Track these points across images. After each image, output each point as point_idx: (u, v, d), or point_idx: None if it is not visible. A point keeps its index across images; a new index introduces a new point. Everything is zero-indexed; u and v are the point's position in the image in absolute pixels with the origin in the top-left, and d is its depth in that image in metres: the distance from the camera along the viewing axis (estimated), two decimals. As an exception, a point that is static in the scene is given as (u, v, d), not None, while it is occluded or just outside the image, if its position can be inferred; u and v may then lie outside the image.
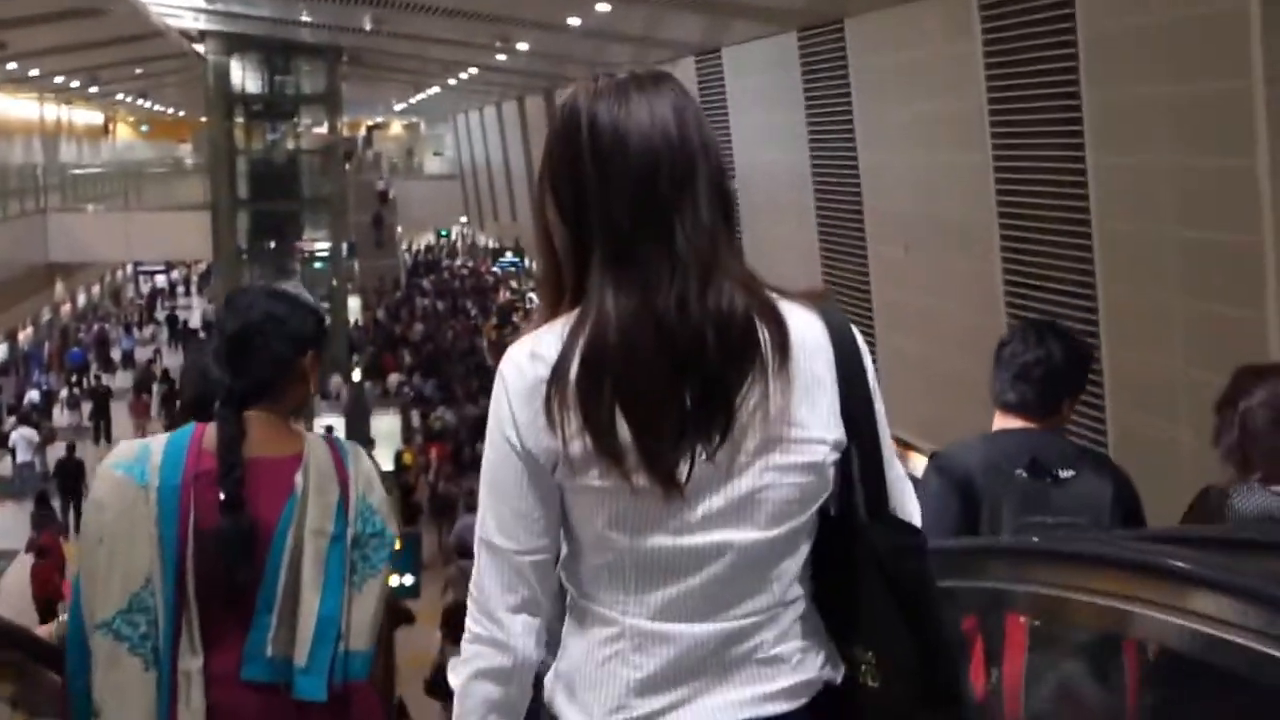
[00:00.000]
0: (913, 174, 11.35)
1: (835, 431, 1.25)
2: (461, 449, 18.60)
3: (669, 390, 1.17)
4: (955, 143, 10.39)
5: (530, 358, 1.22)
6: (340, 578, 2.01)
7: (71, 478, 18.07)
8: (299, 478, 2.00)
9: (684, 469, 1.17)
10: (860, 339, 1.32)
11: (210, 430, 2.02)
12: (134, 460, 2.00)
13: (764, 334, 1.21)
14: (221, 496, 1.96)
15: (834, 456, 1.24)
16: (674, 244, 1.20)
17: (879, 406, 1.30)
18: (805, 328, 1.25)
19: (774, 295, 1.25)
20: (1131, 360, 8.56)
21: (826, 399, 1.24)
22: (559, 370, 1.19)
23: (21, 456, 19.32)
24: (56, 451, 20.49)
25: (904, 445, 13.41)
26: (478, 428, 19.40)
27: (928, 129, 10.88)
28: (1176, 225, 7.83)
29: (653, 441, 1.16)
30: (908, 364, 12.03)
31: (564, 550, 1.26)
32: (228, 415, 2.01)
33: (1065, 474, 2.40)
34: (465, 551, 15.27)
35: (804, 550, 1.25)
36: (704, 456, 1.17)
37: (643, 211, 1.20)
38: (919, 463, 13.40)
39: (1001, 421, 2.54)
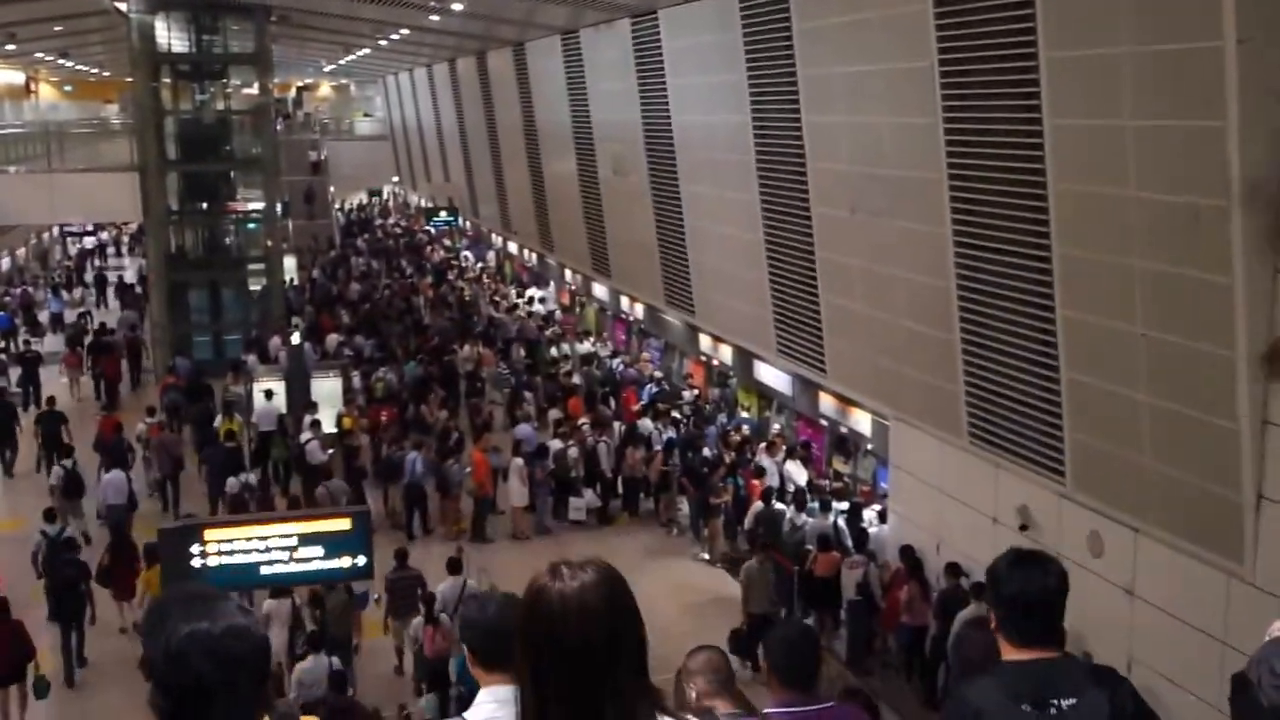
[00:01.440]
0: (859, 135, 10.73)
1: None
2: (405, 408, 17.70)
3: None
4: (904, 104, 9.76)
5: None
6: None
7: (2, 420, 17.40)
8: None
9: None
10: None
11: None
12: None
13: None
14: None
15: None
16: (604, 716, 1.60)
17: None
18: None
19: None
20: (1087, 323, 8.13)
21: None
22: None
23: (-47, 426, 17.70)
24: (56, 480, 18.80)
25: (847, 402, 12.98)
26: (420, 388, 18.56)
27: (875, 90, 10.24)
28: (1139, 187, 7.35)
29: None
30: (853, 325, 11.52)
31: None
32: None
33: (1067, 703, 2.44)
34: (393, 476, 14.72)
35: None
36: None
37: (580, 687, 1.58)
38: (863, 419, 12.96)
39: (1010, 653, 2.54)
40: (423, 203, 42.39)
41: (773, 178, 12.71)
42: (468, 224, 37.70)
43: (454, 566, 10.77)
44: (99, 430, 15.86)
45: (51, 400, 17.50)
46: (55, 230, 39.03)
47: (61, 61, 37.03)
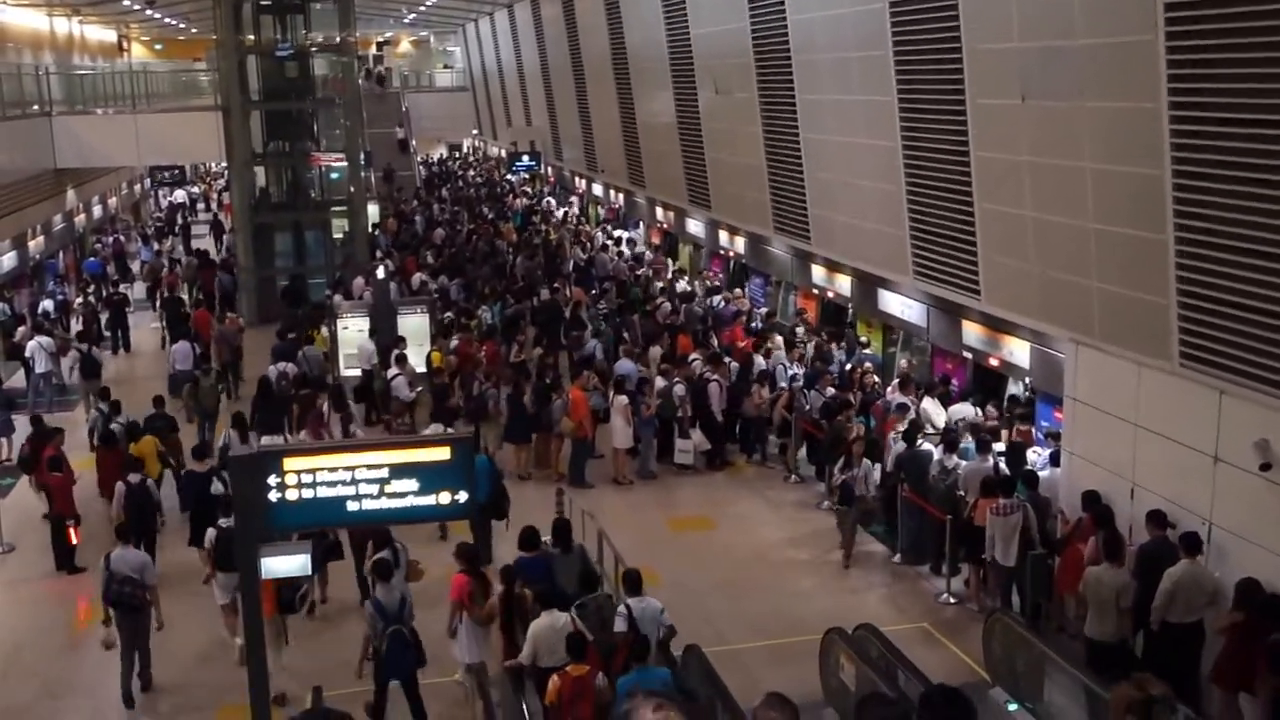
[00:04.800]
0: (1035, 2, 8.82)
1: None
2: (498, 348, 16.44)
3: None
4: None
5: None
6: None
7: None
8: None
9: None
10: None
11: None
12: None
13: None
14: None
15: None
16: None
17: None
18: None
19: None
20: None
21: None
22: None
23: (40, 366, 17.06)
24: (71, 362, 18.42)
25: (997, 331, 11.15)
26: (510, 326, 17.33)
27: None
28: None
29: None
30: (1018, 235, 9.68)
31: None
32: None
33: None
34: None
35: None
36: None
37: None
38: (1019, 349, 11.08)
39: None
40: (502, 153, 41.07)
41: (915, 71, 10.84)
42: (548, 170, 36.25)
43: None
44: (194, 322, 18.13)
45: (173, 287, 20.96)
46: (147, 183, 38.78)
47: (149, 13, 36.42)
